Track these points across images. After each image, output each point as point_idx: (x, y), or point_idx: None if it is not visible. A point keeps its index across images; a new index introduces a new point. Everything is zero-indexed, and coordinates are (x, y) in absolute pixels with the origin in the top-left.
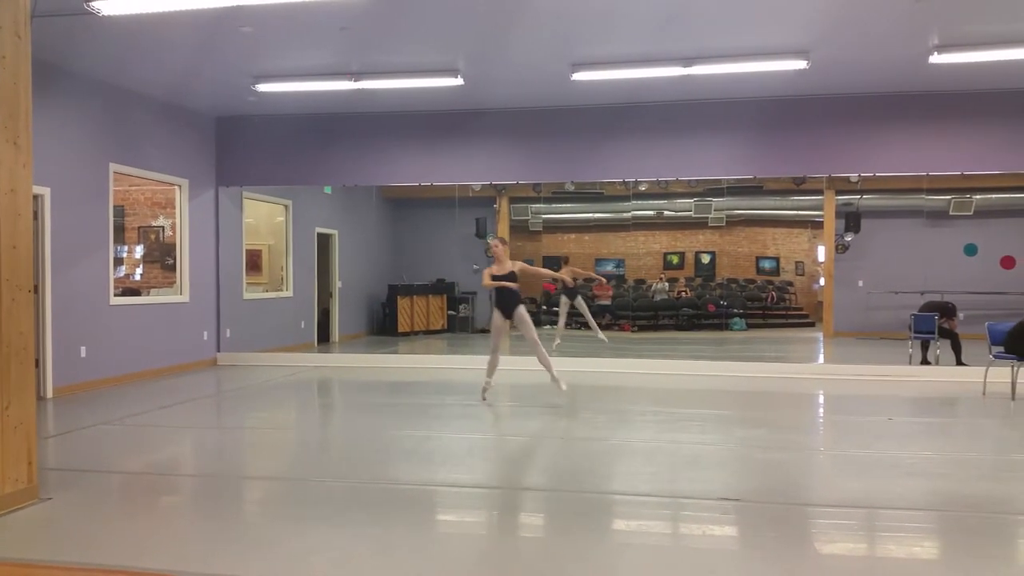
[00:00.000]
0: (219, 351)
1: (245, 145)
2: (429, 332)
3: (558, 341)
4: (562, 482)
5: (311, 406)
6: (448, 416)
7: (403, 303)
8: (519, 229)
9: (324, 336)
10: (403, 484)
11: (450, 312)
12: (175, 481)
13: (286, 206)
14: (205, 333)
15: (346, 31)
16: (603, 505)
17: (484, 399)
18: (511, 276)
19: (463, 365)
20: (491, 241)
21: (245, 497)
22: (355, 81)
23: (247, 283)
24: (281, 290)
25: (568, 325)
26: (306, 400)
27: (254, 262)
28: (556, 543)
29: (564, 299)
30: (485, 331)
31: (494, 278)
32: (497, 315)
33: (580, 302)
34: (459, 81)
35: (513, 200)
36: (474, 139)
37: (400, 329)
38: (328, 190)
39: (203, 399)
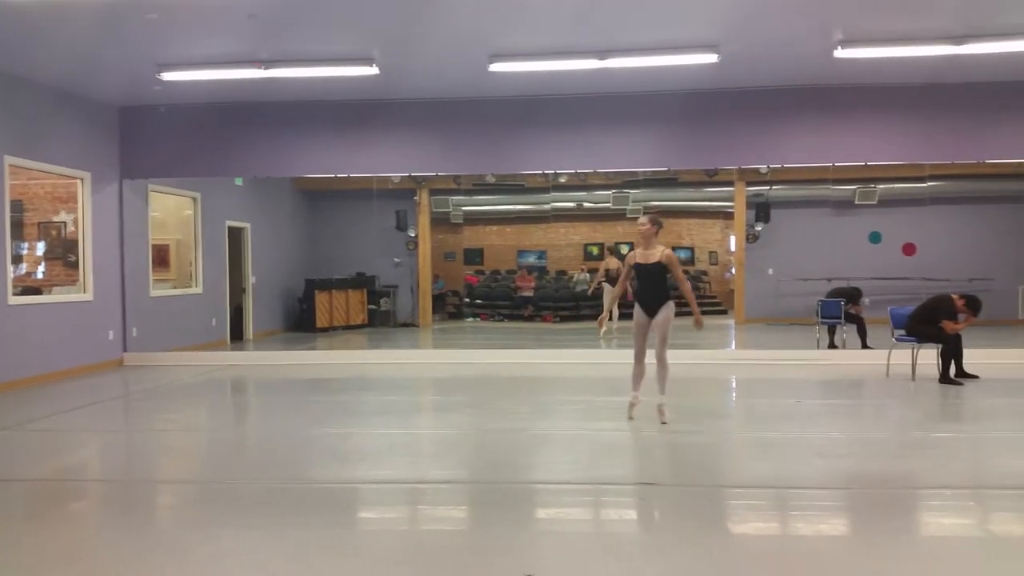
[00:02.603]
0: (126, 351)
1: (151, 136)
2: (349, 327)
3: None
4: (483, 474)
5: (224, 406)
6: (368, 412)
7: (321, 298)
8: (440, 221)
9: (237, 333)
10: (321, 483)
11: (371, 306)
12: (80, 488)
13: (194, 199)
14: (111, 332)
15: (256, 18)
16: (524, 495)
17: (631, 418)
18: (658, 268)
19: (384, 360)
20: (641, 219)
21: (156, 502)
22: (265, 69)
23: (154, 279)
24: (190, 286)
25: (491, 317)
26: (219, 400)
27: (161, 257)
28: (477, 536)
29: (608, 287)
30: (407, 325)
31: (638, 267)
32: (638, 312)
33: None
34: (374, 70)
35: (434, 192)
36: (391, 129)
37: (319, 325)
38: (239, 182)
39: (109, 401)
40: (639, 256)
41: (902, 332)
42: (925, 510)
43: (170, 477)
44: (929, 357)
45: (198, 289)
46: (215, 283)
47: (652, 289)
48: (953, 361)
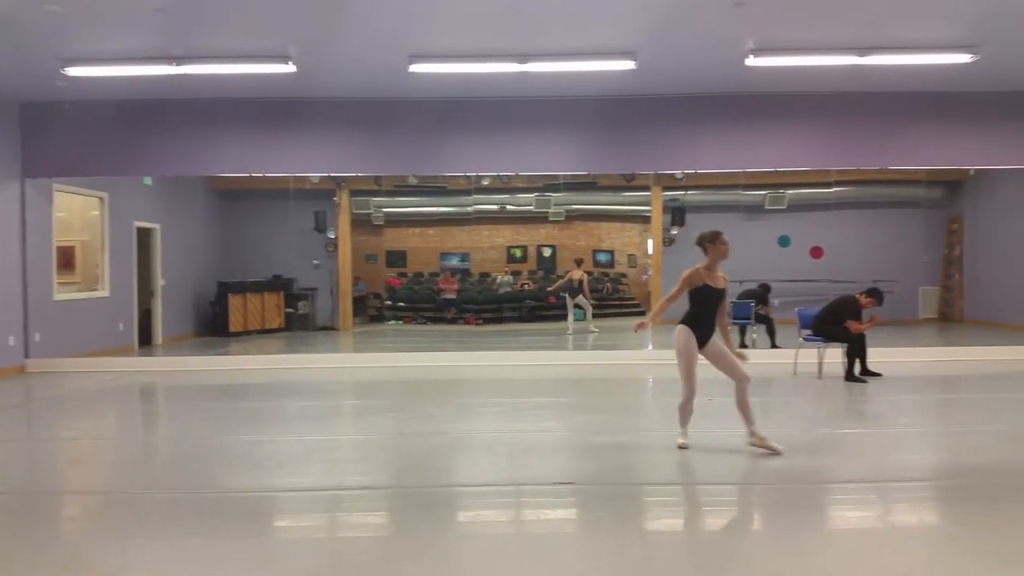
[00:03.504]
0: (28, 357)
1: (55, 133)
2: (264, 331)
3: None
4: (402, 479)
5: (133, 414)
6: (284, 418)
7: (235, 301)
8: (361, 223)
9: (146, 338)
10: (233, 492)
11: (288, 310)
12: None
13: (101, 199)
14: (11, 338)
15: (164, 12)
16: (443, 498)
17: (779, 451)
18: (722, 294)
19: (302, 364)
20: (725, 237)
21: (59, 514)
22: (177, 66)
23: (59, 282)
24: (97, 289)
25: (413, 320)
26: (127, 408)
27: (66, 259)
28: (395, 542)
29: (582, 300)
30: (327, 328)
31: (707, 289)
32: (692, 338)
33: (582, 299)
34: (291, 68)
35: (354, 193)
36: (310, 129)
37: (232, 329)
38: (148, 181)
39: (10, 409)
40: (707, 277)
41: (809, 332)
42: (831, 504)
43: (75, 488)
44: (835, 356)
45: (105, 292)
46: (123, 286)
47: (713, 315)
48: (858, 360)
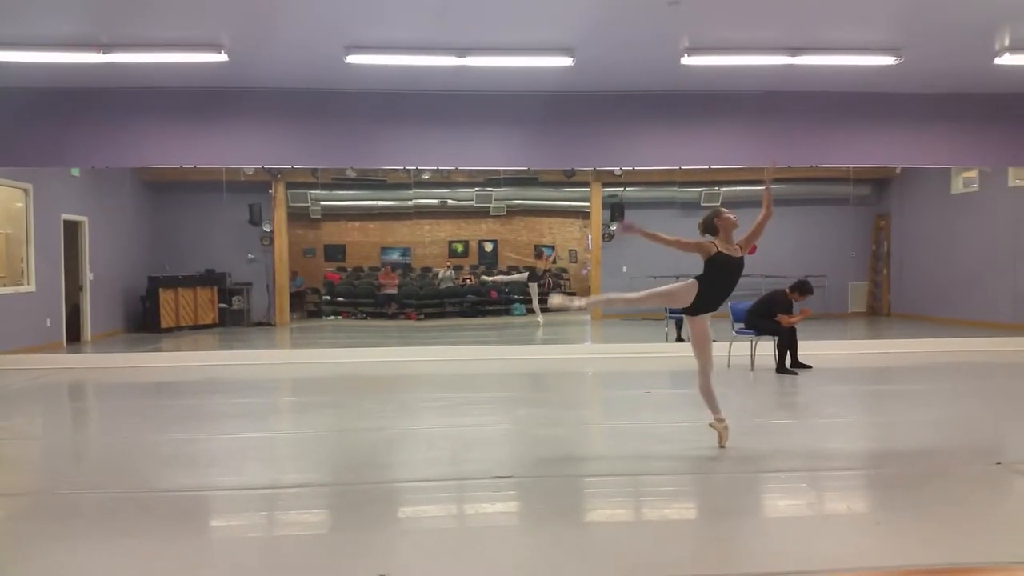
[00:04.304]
0: None
1: None
2: (197, 327)
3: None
4: (341, 475)
5: (61, 412)
6: (217, 416)
7: (166, 296)
8: (298, 216)
9: (74, 334)
10: (164, 491)
11: (222, 305)
12: None
13: (26, 190)
14: None
15: None
16: (382, 495)
17: (723, 446)
18: (740, 264)
19: (237, 361)
20: (723, 210)
21: None
22: (104, 53)
23: None
24: (21, 284)
25: (353, 315)
26: (55, 406)
27: None
28: (333, 538)
29: (530, 283)
30: (263, 324)
31: (719, 257)
32: (693, 291)
33: (534, 287)
34: (223, 57)
35: (290, 186)
36: (243, 119)
37: (163, 325)
38: (76, 172)
39: None
40: (721, 247)
41: (742, 325)
42: (764, 492)
43: None
44: (767, 349)
45: (30, 287)
46: (49, 280)
47: (726, 288)
48: (788, 352)
